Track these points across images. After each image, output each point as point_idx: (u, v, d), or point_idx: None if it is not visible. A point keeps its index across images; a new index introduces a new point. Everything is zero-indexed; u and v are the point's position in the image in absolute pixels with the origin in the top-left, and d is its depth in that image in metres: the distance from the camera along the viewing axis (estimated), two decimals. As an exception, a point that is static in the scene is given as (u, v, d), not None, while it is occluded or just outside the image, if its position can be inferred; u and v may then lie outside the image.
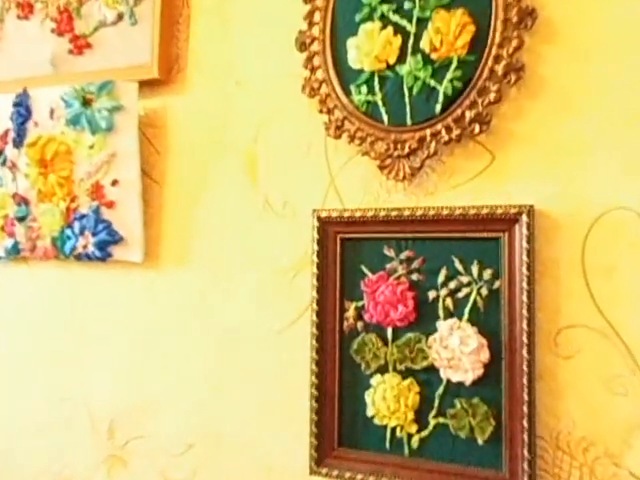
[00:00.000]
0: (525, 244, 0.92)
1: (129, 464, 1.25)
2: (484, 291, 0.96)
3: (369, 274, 1.04)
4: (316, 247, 1.06)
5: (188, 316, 1.20)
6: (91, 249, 1.24)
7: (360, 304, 1.04)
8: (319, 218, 1.06)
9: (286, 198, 1.13)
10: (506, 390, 0.94)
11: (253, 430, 1.13)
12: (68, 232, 1.26)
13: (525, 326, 0.92)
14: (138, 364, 1.25)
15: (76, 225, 1.25)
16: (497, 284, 0.96)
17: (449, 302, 0.98)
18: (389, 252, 1.03)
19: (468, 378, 0.96)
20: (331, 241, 1.06)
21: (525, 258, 0.92)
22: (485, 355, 0.95)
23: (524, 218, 0.93)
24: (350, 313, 1.05)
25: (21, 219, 1.31)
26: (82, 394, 1.30)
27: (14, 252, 1.34)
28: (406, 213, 1.00)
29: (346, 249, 1.06)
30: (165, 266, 1.23)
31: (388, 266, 1.02)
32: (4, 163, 1.34)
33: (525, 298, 0.92)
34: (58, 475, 1.32)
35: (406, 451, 1.00)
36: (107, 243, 1.22)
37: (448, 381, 0.98)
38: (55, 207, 1.28)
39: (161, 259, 1.24)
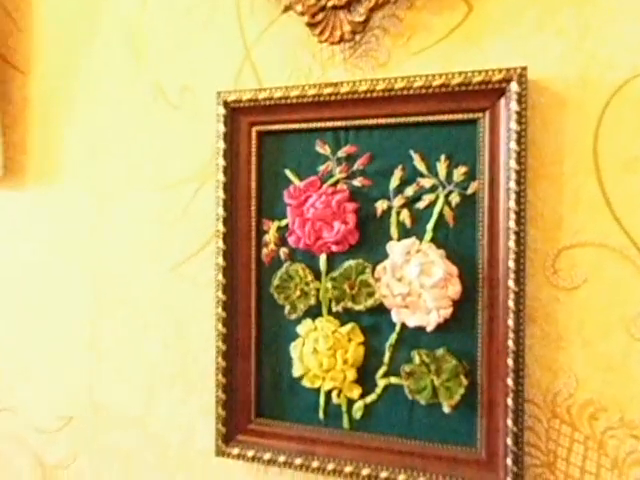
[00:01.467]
0: (515, 125, 0.62)
1: (-5, 443, 0.95)
2: (455, 198, 0.67)
3: (295, 180, 0.73)
4: (223, 144, 0.74)
5: (61, 249, 0.89)
6: None
7: (284, 223, 0.74)
8: (226, 103, 0.74)
9: (184, 82, 0.81)
10: (484, 337, 0.66)
11: (146, 398, 0.84)
12: None
13: (513, 245, 0.63)
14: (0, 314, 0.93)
15: None
16: (473, 187, 0.66)
17: (405, 216, 0.68)
18: (323, 148, 0.72)
19: (431, 322, 0.67)
20: (244, 135, 0.75)
21: (514, 146, 0.62)
22: (455, 289, 0.66)
23: (513, 87, 0.62)
24: (270, 236, 0.74)
25: None
26: None
27: None
28: (344, 89, 0.69)
29: (265, 147, 0.75)
30: (31, 182, 0.91)
31: (321, 168, 0.72)
32: None
33: (513, 205, 0.63)
34: None
35: (345, 423, 0.72)
36: (-49, 152, 0.89)
37: (403, 326, 0.69)
38: None
39: (26, 173, 0.91)
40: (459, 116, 0.66)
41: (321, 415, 0.73)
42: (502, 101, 0.64)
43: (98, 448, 0.87)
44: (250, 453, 0.74)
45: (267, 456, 0.73)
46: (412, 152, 0.68)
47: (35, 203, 0.90)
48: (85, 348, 0.87)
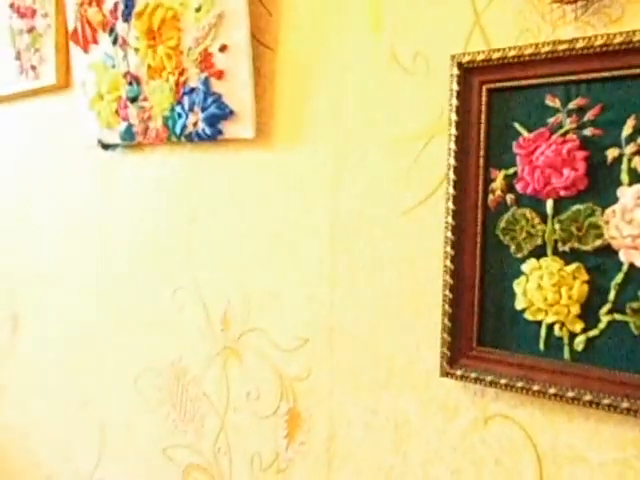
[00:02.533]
0: None
1: (243, 357, 1.16)
2: (693, 144, 0.69)
3: (524, 132, 0.80)
4: (455, 102, 0.84)
5: (303, 197, 1.05)
6: (201, 126, 1.12)
7: (511, 172, 0.82)
8: (460, 65, 0.83)
9: (417, 48, 0.91)
10: None
11: (375, 325, 0.98)
12: (178, 109, 1.16)
13: None
14: (250, 251, 1.13)
15: (186, 101, 1.14)
16: None
17: (638, 162, 0.72)
18: (553, 102, 0.78)
19: (662, 262, 0.71)
20: (475, 93, 0.83)
21: None
22: (690, 231, 0.69)
23: None
24: (497, 184, 0.83)
25: (133, 99, 1.23)
26: (195, 283, 1.23)
27: (128, 136, 1.27)
28: (579, 45, 0.74)
29: (494, 103, 0.82)
30: (278, 143, 1.08)
31: (551, 120, 0.78)
32: (115, 41, 1.26)
33: None
34: (175, 365, 1.28)
35: (566, 354, 0.79)
36: (217, 118, 1.10)
37: (631, 266, 0.73)
38: (165, 83, 1.17)
39: (274, 135, 1.09)
40: (702, 64, 0.68)
41: (542, 346, 0.80)
42: None
43: (331, 365, 1.03)
44: (473, 375, 0.84)
45: (489, 378, 0.83)
46: (647, 101, 0.72)
47: (281, 161, 1.08)
48: (324, 279, 1.03)
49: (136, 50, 1.21)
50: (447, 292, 0.86)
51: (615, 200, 0.74)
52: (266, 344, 1.12)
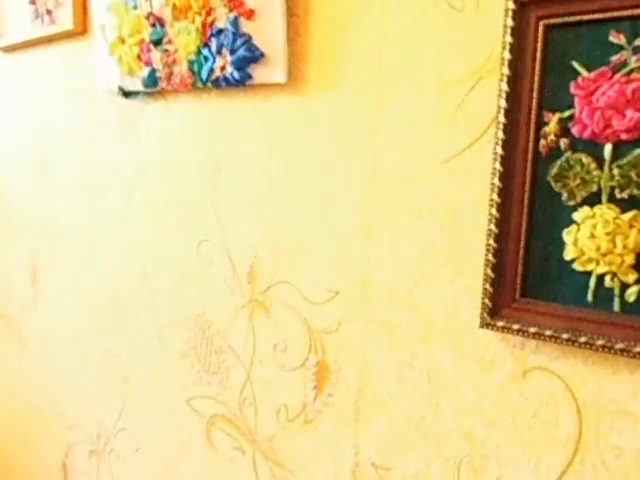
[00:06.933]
0: None
1: (270, 310, 1.12)
2: None
3: (583, 72, 0.74)
4: (510, 39, 0.77)
5: (338, 146, 0.99)
6: (229, 70, 1.05)
7: (567, 114, 0.75)
8: (516, -1, 0.76)
9: (467, -18, 0.84)
10: None
11: (412, 277, 0.93)
12: (205, 52, 1.09)
13: None
14: (279, 203, 1.08)
15: (213, 43, 1.07)
16: None
17: None
18: (617, 38, 0.71)
19: None
20: (531, 30, 0.76)
21: None
22: None
23: None
24: (551, 127, 0.77)
25: (157, 42, 1.16)
26: (221, 236, 1.17)
27: (151, 82, 1.20)
28: (652, -25, 0.67)
29: (551, 40, 0.76)
30: (312, 88, 1.01)
31: (614, 59, 0.72)
32: (138, -19, 1.18)
33: None
34: (200, 318, 1.24)
35: (616, 306, 0.74)
36: (246, 61, 1.03)
37: (694, 214, 0.68)
38: (191, 24, 1.10)
39: (307, 80, 1.02)
40: None
41: (590, 297, 0.76)
42: None
43: (364, 318, 0.99)
44: (516, 326, 0.80)
45: (533, 330, 0.79)
46: None
47: (315, 108, 1.01)
48: (359, 230, 0.98)
49: (160, -11, 1.13)
50: (491, 241, 0.81)
51: (681, 144, 0.68)
52: (294, 297, 1.07)
